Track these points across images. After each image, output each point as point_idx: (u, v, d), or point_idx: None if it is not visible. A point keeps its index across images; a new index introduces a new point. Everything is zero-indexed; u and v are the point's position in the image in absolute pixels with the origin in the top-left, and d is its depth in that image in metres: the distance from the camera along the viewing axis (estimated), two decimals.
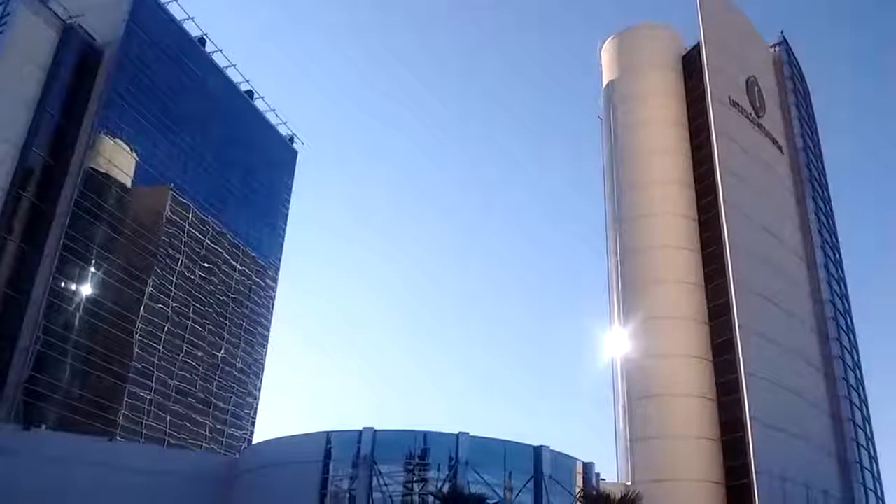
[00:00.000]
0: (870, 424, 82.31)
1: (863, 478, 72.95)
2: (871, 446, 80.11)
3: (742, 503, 58.48)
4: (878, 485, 78.04)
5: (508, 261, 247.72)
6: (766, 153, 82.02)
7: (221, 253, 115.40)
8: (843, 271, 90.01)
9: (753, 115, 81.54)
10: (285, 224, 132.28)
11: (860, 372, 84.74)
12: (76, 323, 78.60)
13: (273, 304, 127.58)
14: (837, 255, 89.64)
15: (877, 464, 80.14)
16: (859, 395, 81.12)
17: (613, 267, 76.38)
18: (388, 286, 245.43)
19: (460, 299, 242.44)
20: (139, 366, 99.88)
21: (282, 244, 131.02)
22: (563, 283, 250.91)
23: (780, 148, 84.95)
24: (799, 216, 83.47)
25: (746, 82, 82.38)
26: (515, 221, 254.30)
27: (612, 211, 78.42)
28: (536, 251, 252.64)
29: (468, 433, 48.69)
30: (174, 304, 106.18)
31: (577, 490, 49.57)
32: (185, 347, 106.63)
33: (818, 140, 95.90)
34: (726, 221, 70.16)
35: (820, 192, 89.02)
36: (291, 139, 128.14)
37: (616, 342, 73.58)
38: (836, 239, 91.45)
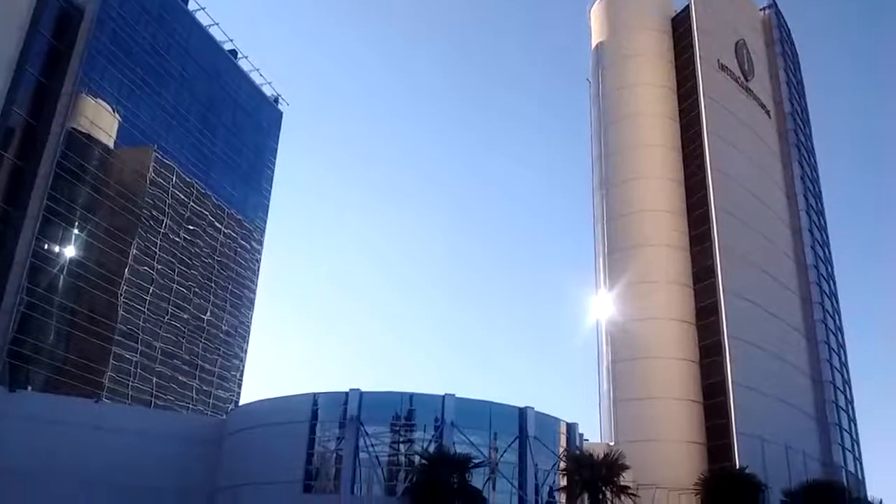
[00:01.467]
0: (850, 387, 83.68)
1: (841, 439, 74.33)
2: (850, 408, 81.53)
3: (722, 462, 59.35)
4: (855, 446, 79.58)
5: (496, 224, 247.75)
6: (753, 117, 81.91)
7: (206, 215, 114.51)
8: (827, 236, 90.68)
9: (742, 78, 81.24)
10: (270, 186, 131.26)
11: (841, 336, 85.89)
12: (60, 285, 78.02)
13: (259, 267, 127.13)
14: (822, 220, 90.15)
15: (855, 425, 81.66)
16: (840, 359, 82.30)
17: (600, 231, 76.52)
18: (374, 249, 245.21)
19: (448, 263, 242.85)
20: (124, 328, 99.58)
21: (267, 206, 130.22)
22: (551, 247, 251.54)
23: (767, 112, 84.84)
24: (784, 180, 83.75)
25: (735, 45, 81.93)
26: (503, 184, 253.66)
27: (599, 174, 78.29)
28: (524, 215, 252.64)
29: (454, 395, 49.01)
30: (159, 267, 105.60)
31: (561, 450, 50.09)
32: (170, 310, 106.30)
33: (806, 105, 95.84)
34: (712, 185, 70.34)
35: (806, 156, 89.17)
36: (276, 100, 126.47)
37: (602, 306, 74.07)
38: (821, 204, 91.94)
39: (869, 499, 45.45)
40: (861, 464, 79.65)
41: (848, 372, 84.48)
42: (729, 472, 40.81)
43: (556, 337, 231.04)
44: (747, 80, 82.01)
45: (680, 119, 77.27)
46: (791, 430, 66.04)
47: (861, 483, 75.20)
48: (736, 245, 69.65)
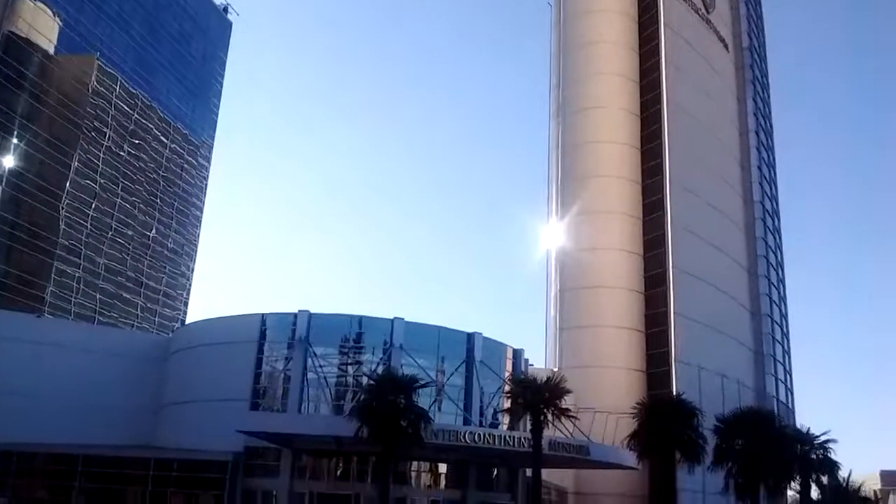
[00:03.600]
0: (787, 321, 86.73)
1: (775, 370, 77.40)
2: (785, 341, 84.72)
3: (661, 389, 61.28)
4: (788, 377, 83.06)
5: (451, 150, 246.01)
6: (711, 50, 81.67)
7: (151, 128, 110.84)
8: (775, 173, 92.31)
9: (703, 9, 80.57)
10: (219, 100, 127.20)
11: (782, 271, 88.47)
12: None
13: (206, 184, 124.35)
14: (771, 158, 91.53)
15: (789, 357, 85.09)
16: (779, 293, 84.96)
17: (554, 160, 76.39)
18: (325, 170, 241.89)
19: (401, 186, 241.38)
20: (66, 243, 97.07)
21: (215, 121, 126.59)
22: (503, 176, 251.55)
23: (725, 45, 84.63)
24: (738, 116, 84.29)
25: None
26: (459, 108, 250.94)
27: (556, 102, 77.66)
28: (479, 141, 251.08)
29: (403, 318, 49.14)
30: (102, 181, 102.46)
31: (507, 374, 51.01)
32: (114, 225, 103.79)
33: (764, 41, 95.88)
34: (667, 118, 70.47)
35: (761, 92, 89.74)
36: (226, 9, 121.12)
37: (552, 235, 74.57)
38: (772, 141, 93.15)
39: (797, 426, 47.51)
40: (792, 394, 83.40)
41: (786, 306, 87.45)
42: (666, 398, 42.32)
43: (507, 265, 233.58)
44: (708, 13, 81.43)
45: (640, 49, 76.57)
46: (728, 360, 68.35)
47: (791, 412, 78.83)
48: (686, 179, 70.31)
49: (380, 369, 43.61)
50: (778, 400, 75.34)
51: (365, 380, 43.24)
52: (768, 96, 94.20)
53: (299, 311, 49.20)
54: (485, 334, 51.55)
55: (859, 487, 48.91)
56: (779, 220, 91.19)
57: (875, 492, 69.43)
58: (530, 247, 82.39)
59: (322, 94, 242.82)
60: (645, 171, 72.83)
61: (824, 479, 42.82)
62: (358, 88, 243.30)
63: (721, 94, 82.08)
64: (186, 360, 53.48)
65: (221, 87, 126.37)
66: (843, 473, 44.46)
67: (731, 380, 66.71)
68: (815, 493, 43.27)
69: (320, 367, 47.87)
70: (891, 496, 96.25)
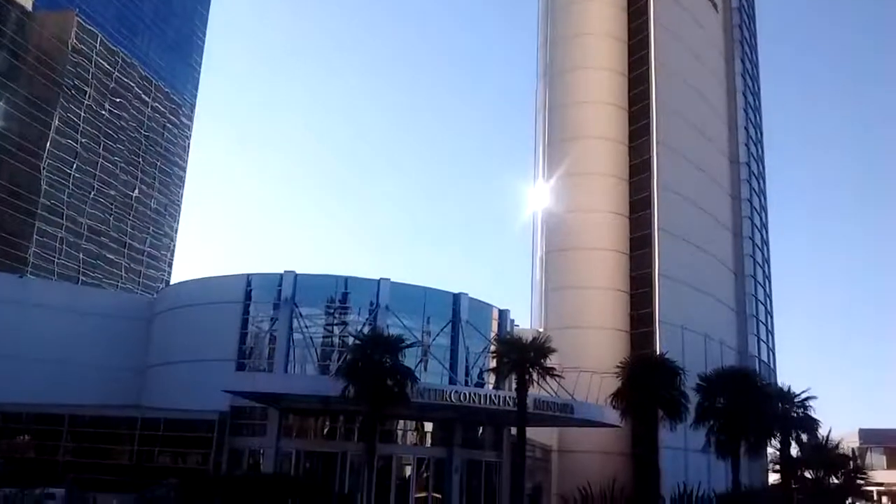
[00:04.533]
0: (770, 282, 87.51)
1: (757, 330, 78.24)
2: (768, 302, 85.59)
3: (644, 349, 61.86)
4: (770, 337, 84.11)
5: (437, 110, 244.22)
6: (700, 9, 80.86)
7: (132, 87, 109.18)
8: (761, 135, 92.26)
9: None
10: (200, 57, 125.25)
11: (766, 232, 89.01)
12: None
13: (189, 143, 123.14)
14: (758, 118, 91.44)
15: (772, 318, 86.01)
16: (763, 254, 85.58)
17: (541, 121, 75.94)
18: (310, 129, 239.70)
19: (386, 147, 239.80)
20: (48, 202, 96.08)
21: (197, 79, 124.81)
22: (491, 138, 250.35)
23: (714, 5, 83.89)
24: (726, 77, 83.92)
25: None
26: (446, 68, 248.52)
27: (543, 62, 76.90)
28: (466, 102, 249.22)
29: (389, 279, 49.14)
30: (83, 140, 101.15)
31: (492, 335, 51.29)
32: (96, 185, 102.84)
33: (753, 1, 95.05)
34: (655, 78, 69.98)
35: (749, 54, 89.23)
36: None
37: (539, 196, 74.47)
38: (759, 102, 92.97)
39: (778, 385, 48.21)
40: (774, 354, 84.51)
41: (769, 267, 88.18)
42: (649, 358, 42.78)
43: (494, 227, 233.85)
44: None
45: (628, 7, 75.74)
46: (711, 320, 68.99)
47: (772, 371, 79.94)
48: (673, 140, 70.12)
49: (366, 330, 43.69)
50: (760, 360, 76.32)
51: (351, 340, 43.31)
52: (757, 58, 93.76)
53: (285, 271, 49.10)
54: (471, 295, 51.76)
55: (838, 445, 49.76)
56: (764, 182, 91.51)
57: (854, 449, 70.79)
58: (517, 208, 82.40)
59: (306, 52, 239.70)
60: (632, 133, 72.56)
61: (804, 437, 43.49)
62: (343, 46, 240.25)
63: (709, 55, 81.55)
64: (171, 320, 53.39)
65: (203, 43, 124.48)
66: (822, 431, 45.23)
67: (713, 340, 67.43)
68: (794, 450, 44.01)
69: (306, 327, 47.95)
70: (869, 453, 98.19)
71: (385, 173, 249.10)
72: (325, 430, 48.46)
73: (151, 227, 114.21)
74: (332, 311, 50.19)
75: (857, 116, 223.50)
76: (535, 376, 35.97)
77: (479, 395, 43.85)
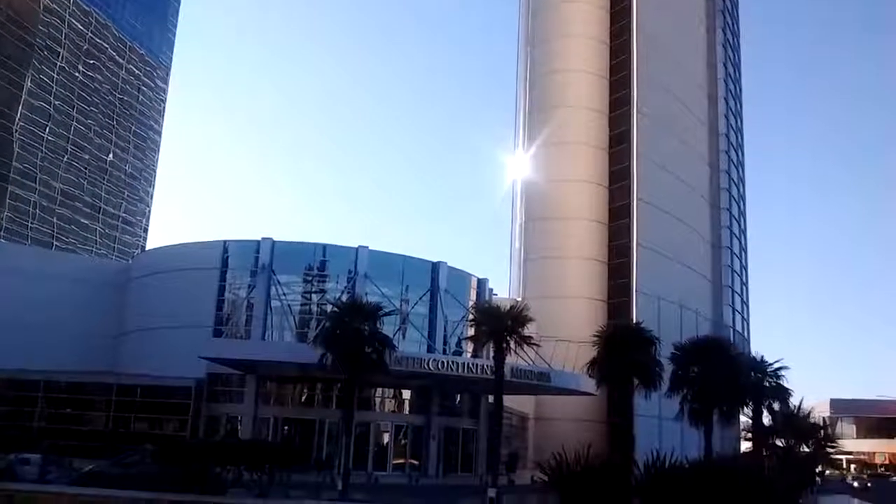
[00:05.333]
0: (746, 253, 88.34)
1: (732, 301, 79.10)
2: (744, 273, 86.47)
3: (621, 318, 62.32)
4: (745, 307, 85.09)
5: (418, 77, 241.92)
6: None
7: (106, 48, 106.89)
8: (741, 105, 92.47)
9: None
10: (176, 20, 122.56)
11: (744, 204, 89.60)
12: None
13: (164, 107, 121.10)
14: (738, 89, 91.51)
15: (747, 289, 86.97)
16: (740, 226, 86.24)
17: (522, 90, 75.64)
18: (288, 93, 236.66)
19: (366, 114, 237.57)
20: (20, 166, 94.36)
21: (173, 42, 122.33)
22: (472, 107, 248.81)
23: None
24: (707, 47, 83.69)
25: None
26: (427, 35, 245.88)
27: (524, 31, 76.43)
28: (447, 71, 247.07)
29: (367, 247, 48.95)
30: (56, 102, 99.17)
31: (471, 304, 51.37)
32: (69, 149, 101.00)
33: None
34: (637, 47, 69.73)
35: (730, 24, 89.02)
36: None
37: (519, 166, 74.36)
38: (739, 73, 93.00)
39: (752, 355, 48.77)
40: (748, 324, 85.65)
41: (746, 239, 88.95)
42: (625, 327, 43.13)
43: (474, 196, 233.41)
44: None
45: None
46: (687, 290, 69.59)
47: (746, 342, 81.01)
48: (654, 110, 70.07)
49: (344, 297, 43.54)
50: (734, 330, 77.28)
51: (329, 307, 43.19)
52: (738, 28, 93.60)
53: (262, 238, 48.73)
54: (450, 264, 51.71)
55: (809, 414, 50.51)
56: (743, 153, 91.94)
57: (825, 419, 72.46)
58: (498, 178, 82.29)
59: (283, 18, 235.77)
60: (612, 102, 72.46)
61: (776, 406, 44.06)
62: (321, 13, 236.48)
63: (691, 25, 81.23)
64: (147, 286, 52.91)
65: (179, 5, 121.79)
66: (794, 401, 45.78)
67: (689, 310, 68.09)
68: (766, 419, 44.58)
69: (284, 295, 47.71)
70: (839, 423, 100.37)
71: (364, 141, 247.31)
72: (303, 398, 48.52)
73: (126, 192, 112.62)
74: (309, 278, 49.96)
75: (836, 89, 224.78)
76: (512, 345, 36.05)
77: (457, 364, 44.08)
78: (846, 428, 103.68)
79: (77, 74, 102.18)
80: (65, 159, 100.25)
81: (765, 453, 43.61)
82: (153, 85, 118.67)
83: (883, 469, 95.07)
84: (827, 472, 67.32)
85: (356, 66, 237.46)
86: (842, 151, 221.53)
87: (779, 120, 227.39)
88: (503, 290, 67.08)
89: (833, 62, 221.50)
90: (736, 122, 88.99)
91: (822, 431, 53.11)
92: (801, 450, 47.43)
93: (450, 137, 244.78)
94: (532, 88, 74.01)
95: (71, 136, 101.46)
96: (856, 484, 69.48)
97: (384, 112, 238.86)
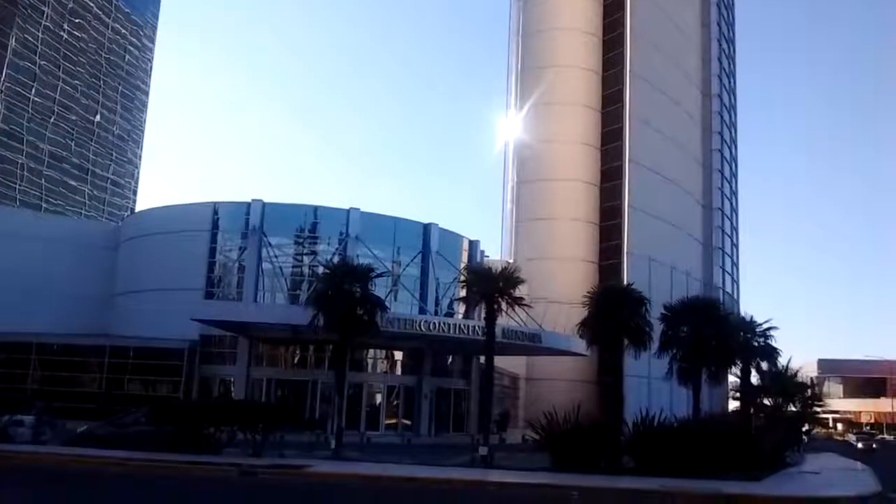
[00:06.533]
0: (737, 215, 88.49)
1: (723, 262, 79.48)
2: (735, 235, 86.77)
3: (612, 280, 62.57)
4: (735, 269, 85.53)
5: (409, 37, 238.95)
6: None
7: (91, 7, 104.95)
8: (734, 65, 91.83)
9: None
10: None
11: (735, 165, 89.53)
12: None
13: (151, 67, 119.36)
14: (732, 50, 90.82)
15: (737, 250, 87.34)
16: (731, 187, 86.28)
17: (514, 48, 74.88)
18: (277, 54, 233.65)
19: (356, 74, 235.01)
20: (7, 127, 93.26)
21: (158, 0, 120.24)
22: (464, 67, 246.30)
23: None
24: (701, 6, 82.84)
25: None
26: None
27: None
28: (439, 30, 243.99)
29: (359, 209, 48.74)
30: (42, 63, 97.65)
31: (462, 266, 51.39)
32: (56, 109, 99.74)
33: None
34: (630, 4, 69.07)
35: None
36: None
37: (511, 127, 73.92)
38: (733, 32, 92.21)
39: (741, 315, 49.16)
40: (738, 285, 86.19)
41: (737, 200, 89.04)
42: (616, 288, 43.22)
43: (466, 158, 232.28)
44: None
45: None
46: (678, 252, 69.81)
47: (736, 302, 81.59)
48: (647, 70, 69.52)
49: (335, 259, 43.47)
50: (724, 291, 77.74)
51: (321, 269, 43.18)
52: None
53: (252, 200, 48.44)
54: (441, 226, 51.64)
55: (796, 373, 51.26)
56: (736, 115, 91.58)
57: (812, 378, 73.09)
58: (490, 139, 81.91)
59: None
60: (606, 62, 71.88)
61: (764, 366, 44.65)
62: None
63: None
64: (138, 248, 52.68)
65: None
66: (782, 361, 46.39)
67: (679, 271, 68.37)
68: (754, 378, 45.22)
69: (275, 256, 47.59)
70: (826, 382, 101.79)
71: (355, 101, 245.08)
72: (296, 359, 48.70)
73: (114, 154, 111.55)
74: (301, 240, 49.78)
75: (830, 49, 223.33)
76: (503, 306, 36.10)
77: (449, 325, 44.25)
78: (833, 387, 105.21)
79: (62, 34, 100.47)
80: (52, 120, 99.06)
81: (752, 412, 44.33)
82: (139, 44, 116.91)
83: (868, 428, 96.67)
84: (814, 430, 68.29)
85: (345, 26, 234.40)
86: (834, 115, 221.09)
87: (774, 81, 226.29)
88: (495, 252, 67.27)
89: (829, 23, 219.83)
90: (729, 82, 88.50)
91: (809, 391, 54.05)
92: (789, 409, 48.26)
93: (442, 99, 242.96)
94: (524, 46, 73.29)
95: (57, 97, 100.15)
96: (860, 445, 60.68)
97: (375, 73, 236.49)
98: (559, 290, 57.14)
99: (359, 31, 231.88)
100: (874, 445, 61.65)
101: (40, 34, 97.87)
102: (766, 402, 46.80)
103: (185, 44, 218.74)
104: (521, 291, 37.22)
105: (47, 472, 21.99)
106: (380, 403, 48.40)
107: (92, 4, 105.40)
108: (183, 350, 46.12)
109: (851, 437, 69.75)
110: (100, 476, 21.53)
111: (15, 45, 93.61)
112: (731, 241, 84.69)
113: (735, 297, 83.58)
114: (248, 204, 48.42)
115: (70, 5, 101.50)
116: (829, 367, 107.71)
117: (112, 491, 18.96)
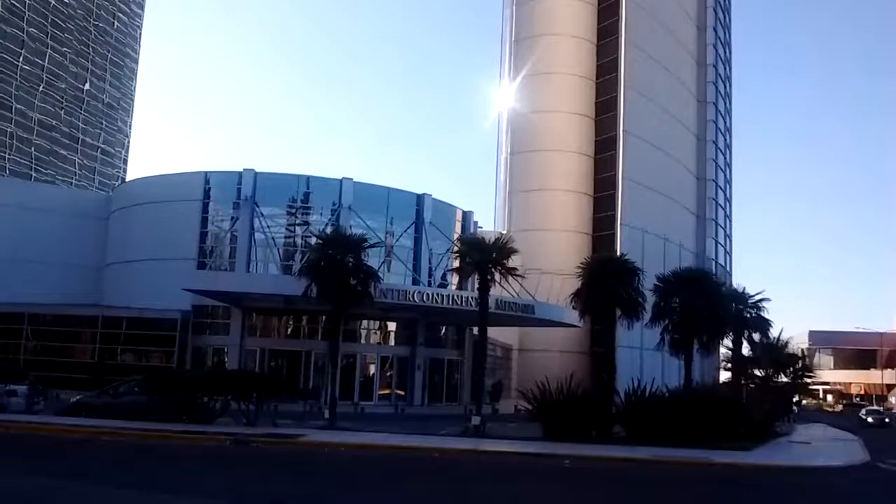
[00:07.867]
0: (730, 186, 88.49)
1: (716, 234, 79.62)
2: (728, 206, 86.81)
3: (606, 251, 62.62)
4: (728, 240, 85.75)
5: (404, 7, 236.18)
6: None
7: None
8: (730, 35, 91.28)
9: None
10: None
11: (730, 136, 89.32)
12: None
13: (140, 34, 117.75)
14: (727, 18, 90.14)
15: (730, 222, 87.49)
16: (725, 158, 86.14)
17: (508, 16, 74.10)
18: (270, 20, 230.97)
19: (349, 42, 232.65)
20: None
21: None
22: (457, 36, 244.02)
23: None
24: None
25: None
26: None
27: None
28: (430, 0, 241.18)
29: (352, 179, 48.49)
30: (30, 29, 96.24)
31: (456, 236, 51.31)
32: (45, 77, 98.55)
33: None
34: None
35: None
36: None
37: (504, 97, 73.42)
38: (729, 2, 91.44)
39: (733, 287, 49.33)
40: (731, 257, 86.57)
41: (731, 171, 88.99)
42: (609, 259, 43.29)
43: (459, 128, 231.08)
44: None
45: None
46: (671, 223, 69.89)
47: (728, 274, 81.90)
48: (642, 39, 69.01)
49: (328, 230, 43.31)
50: (717, 263, 78.00)
51: (313, 240, 43.05)
52: None
53: (244, 169, 48.08)
54: (435, 196, 51.46)
55: (787, 344, 51.63)
56: (731, 85, 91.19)
57: (803, 350, 73.68)
58: (484, 109, 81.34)
59: None
60: (600, 31, 71.30)
61: (756, 337, 44.89)
62: None
63: None
64: (129, 218, 52.38)
65: None
66: (774, 332, 46.67)
67: (673, 243, 68.50)
68: (746, 349, 45.49)
69: (267, 227, 47.39)
70: (817, 354, 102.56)
71: (347, 71, 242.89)
72: (289, 330, 48.76)
73: (104, 122, 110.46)
74: (293, 210, 49.57)
75: (829, 23, 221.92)
76: (497, 277, 36.08)
77: (442, 296, 44.28)
78: (824, 359, 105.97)
79: (50, 0, 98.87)
80: (41, 88, 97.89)
81: (743, 383, 44.69)
82: (129, 10, 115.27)
83: (858, 399, 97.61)
84: (804, 401, 68.89)
85: None
86: (828, 83, 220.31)
87: (769, 53, 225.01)
88: (489, 223, 67.23)
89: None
90: (725, 52, 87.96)
91: (800, 362, 54.47)
92: (780, 379, 48.66)
93: (436, 70, 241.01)
94: (518, 14, 72.59)
95: (46, 65, 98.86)
96: (870, 419, 54.61)
97: (367, 41, 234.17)
98: (552, 261, 57.16)
99: (352, 0, 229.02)
100: (886, 420, 54.50)
101: (27, 0, 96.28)
102: (757, 373, 47.18)
103: (174, 10, 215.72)
104: (514, 262, 37.19)
105: (42, 440, 22.00)
106: (373, 374, 48.59)
107: None
108: (176, 320, 46.10)
109: (862, 411, 59.87)
110: (92, 445, 21.55)
111: (2, 12, 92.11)
112: (725, 212, 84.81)
113: (728, 268, 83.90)
114: (240, 174, 48.08)
115: None
116: (819, 339, 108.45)
117: (105, 458, 18.97)
